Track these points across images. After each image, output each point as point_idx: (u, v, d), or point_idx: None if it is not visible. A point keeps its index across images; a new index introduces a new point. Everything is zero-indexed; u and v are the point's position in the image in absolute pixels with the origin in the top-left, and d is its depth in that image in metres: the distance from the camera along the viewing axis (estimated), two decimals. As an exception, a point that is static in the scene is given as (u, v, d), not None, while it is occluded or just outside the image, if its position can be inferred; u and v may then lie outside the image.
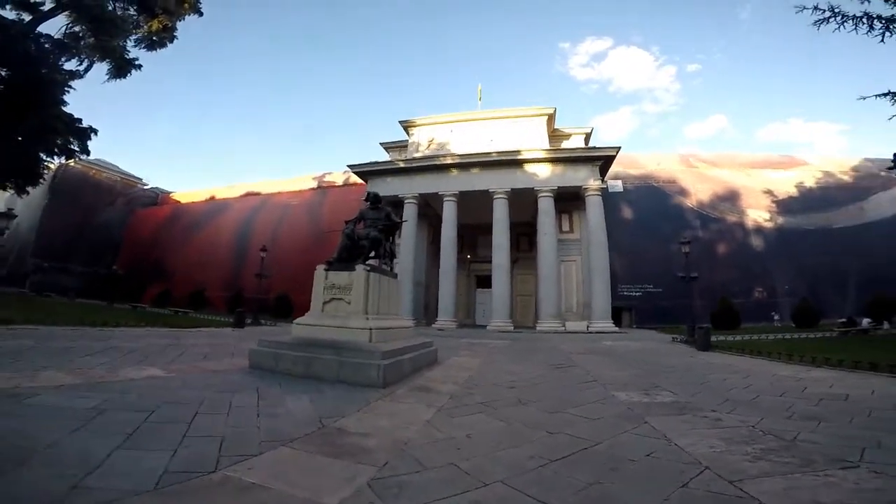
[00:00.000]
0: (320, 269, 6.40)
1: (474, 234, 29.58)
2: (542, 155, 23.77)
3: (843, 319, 18.07)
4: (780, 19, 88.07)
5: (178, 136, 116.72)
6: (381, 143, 29.86)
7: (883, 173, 33.02)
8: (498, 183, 23.49)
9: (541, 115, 25.88)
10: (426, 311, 26.12)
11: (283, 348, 5.92)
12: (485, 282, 29.27)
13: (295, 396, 4.45)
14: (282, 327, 16.41)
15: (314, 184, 38.52)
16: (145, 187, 50.50)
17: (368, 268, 6.26)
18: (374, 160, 26.75)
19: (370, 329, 5.76)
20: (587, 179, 23.33)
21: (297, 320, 6.45)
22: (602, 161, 23.93)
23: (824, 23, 11.79)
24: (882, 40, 12.02)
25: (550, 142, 25.78)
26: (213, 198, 42.77)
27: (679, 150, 38.42)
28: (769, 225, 30.53)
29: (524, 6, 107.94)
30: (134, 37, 20.16)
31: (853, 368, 7.30)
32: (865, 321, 16.65)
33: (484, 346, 11.90)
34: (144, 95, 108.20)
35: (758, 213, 30.81)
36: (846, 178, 33.21)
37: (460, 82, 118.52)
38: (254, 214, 37.38)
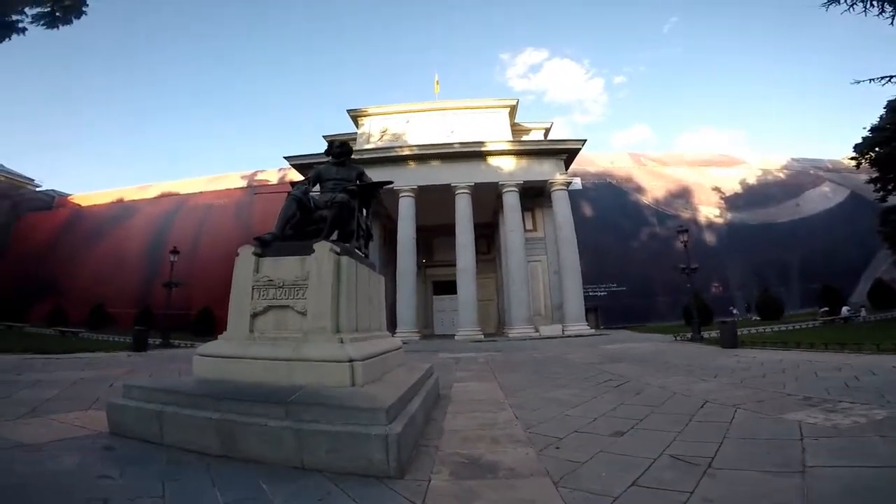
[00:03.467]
0: (246, 253, 3.56)
1: (429, 237, 27.07)
2: (508, 147, 21.89)
3: (826, 308, 17.81)
4: (699, 32, 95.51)
5: (83, 133, 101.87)
6: (324, 136, 26.48)
7: (812, 171, 35.43)
8: (460, 177, 21.19)
9: (504, 106, 24.16)
10: (381, 321, 23.05)
11: (174, 402, 3.02)
12: (443, 288, 27.08)
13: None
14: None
15: (243, 183, 33.94)
16: (37, 189, 42.55)
17: (339, 248, 3.50)
18: (317, 153, 23.40)
19: (350, 361, 3.03)
20: (553, 173, 21.77)
21: (202, 349, 3.55)
22: (567, 155, 22.56)
23: (835, 3, 11.19)
24: (892, 23, 11.67)
25: (512, 135, 24.07)
26: (120, 200, 36.55)
27: (629, 150, 38.85)
28: (719, 221, 31.11)
29: (468, 17, 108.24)
30: (32, 11, 15.57)
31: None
32: (845, 310, 16.35)
33: (473, 362, 9.39)
34: (45, 86, 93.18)
35: (709, 210, 31.30)
36: (781, 175, 34.98)
37: (403, 93, 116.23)
38: (170, 218, 32.06)
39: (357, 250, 4.28)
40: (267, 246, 3.61)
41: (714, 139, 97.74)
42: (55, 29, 16.17)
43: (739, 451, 2.82)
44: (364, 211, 4.76)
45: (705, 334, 12.42)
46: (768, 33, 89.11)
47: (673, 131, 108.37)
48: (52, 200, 41.40)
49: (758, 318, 22.51)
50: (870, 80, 12.62)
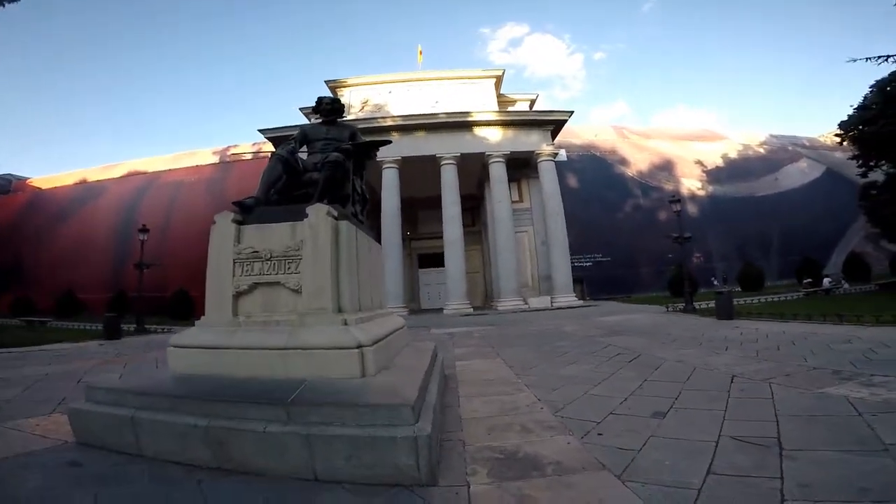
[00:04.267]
0: (224, 221, 2.99)
1: (413, 209, 26.45)
2: (494, 117, 21.20)
3: (809, 280, 18.15)
4: (678, 13, 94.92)
5: (40, 112, 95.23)
6: (300, 109, 25.09)
7: (791, 147, 35.89)
8: (446, 147, 20.49)
9: (489, 76, 23.42)
10: (367, 299, 22.53)
11: (148, 406, 2.51)
12: (428, 261, 26.76)
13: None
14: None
15: (215, 159, 32.29)
16: (-9, 173, 39.90)
17: (336, 211, 2.97)
18: (294, 125, 22.19)
19: (359, 347, 2.55)
20: (540, 144, 21.27)
21: (176, 338, 3.03)
22: (553, 126, 22.03)
23: None
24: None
25: (498, 106, 23.34)
26: (84, 181, 34.43)
27: (611, 124, 38.40)
28: (702, 193, 31.30)
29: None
30: None
31: None
32: (826, 281, 16.71)
33: (469, 337, 9.07)
34: None
35: (691, 182, 31.44)
36: (761, 150, 35.34)
37: (383, 66, 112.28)
38: (138, 197, 30.40)
39: (354, 216, 3.74)
40: (249, 212, 3.04)
41: (690, 117, 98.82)
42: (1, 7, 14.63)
43: (803, 430, 2.55)
44: (361, 174, 4.20)
45: (696, 305, 12.46)
46: (746, 19, 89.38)
47: (650, 108, 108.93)
48: (9, 184, 38.80)
49: (738, 290, 22.90)
50: (866, 58, 12.63)
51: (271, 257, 2.86)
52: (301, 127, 4.11)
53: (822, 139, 38.70)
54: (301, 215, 2.87)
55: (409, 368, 3.00)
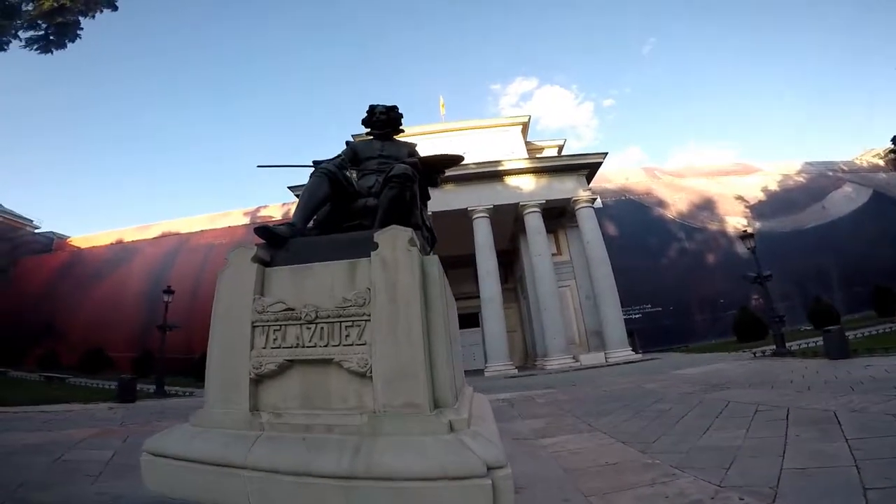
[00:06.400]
0: (240, 261, 1.93)
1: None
2: (526, 165, 20.64)
3: None
4: (678, 50, 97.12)
5: (83, 172, 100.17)
6: (328, 165, 25.49)
7: (830, 173, 34.09)
8: (478, 199, 19.74)
9: (516, 123, 23.31)
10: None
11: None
12: (460, 322, 25.32)
13: None
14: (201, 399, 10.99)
15: (246, 220, 32.86)
16: (36, 231, 41.69)
17: (418, 241, 1.87)
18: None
19: (490, 472, 1.33)
20: (576, 190, 20.36)
21: (156, 442, 1.86)
22: (587, 170, 21.20)
23: None
24: None
25: (527, 154, 22.90)
26: (120, 241, 35.52)
27: (643, 165, 37.69)
28: (749, 230, 29.39)
29: (458, 49, 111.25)
30: (25, 34, 14.89)
31: None
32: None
33: (532, 404, 7.54)
34: (44, 124, 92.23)
35: (736, 220, 29.60)
36: (801, 180, 33.66)
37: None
38: (171, 258, 30.85)
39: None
40: (281, 244, 2.01)
41: (711, 154, 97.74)
42: (49, 53, 15.38)
43: None
44: (426, 203, 3.18)
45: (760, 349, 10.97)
46: (744, 45, 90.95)
47: (663, 149, 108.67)
48: (51, 243, 40.44)
49: (808, 328, 20.63)
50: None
51: (316, 318, 1.76)
52: (349, 143, 3.15)
53: (858, 161, 36.73)
54: (364, 248, 1.79)
55: (548, 486, 1.73)
